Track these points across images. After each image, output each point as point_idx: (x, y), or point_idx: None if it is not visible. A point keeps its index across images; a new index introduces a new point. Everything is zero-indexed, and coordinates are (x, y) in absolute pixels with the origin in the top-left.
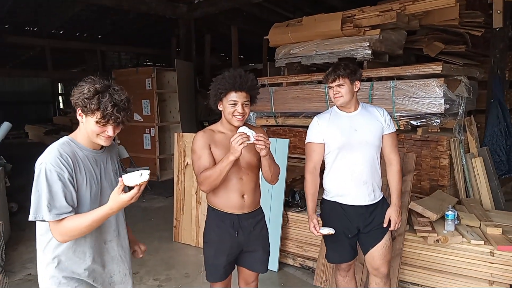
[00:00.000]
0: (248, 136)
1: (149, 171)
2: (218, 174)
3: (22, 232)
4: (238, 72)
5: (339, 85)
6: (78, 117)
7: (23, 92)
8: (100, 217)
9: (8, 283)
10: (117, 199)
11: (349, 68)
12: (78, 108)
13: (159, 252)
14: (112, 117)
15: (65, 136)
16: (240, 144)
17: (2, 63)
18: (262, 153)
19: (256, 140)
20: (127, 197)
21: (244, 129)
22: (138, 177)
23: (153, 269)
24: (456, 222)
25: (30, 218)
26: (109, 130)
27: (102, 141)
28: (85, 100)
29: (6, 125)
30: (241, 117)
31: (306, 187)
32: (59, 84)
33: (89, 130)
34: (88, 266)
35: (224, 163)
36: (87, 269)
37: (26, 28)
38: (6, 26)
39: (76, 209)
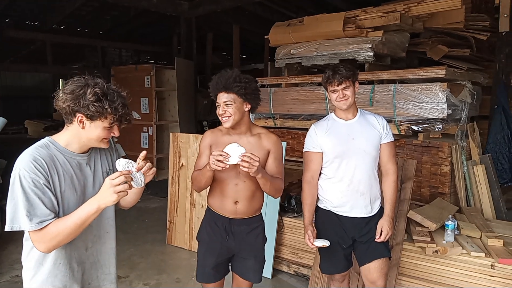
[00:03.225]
0: (228, 157)
1: (129, 163)
2: (200, 179)
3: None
4: (219, 74)
5: (345, 88)
6: (77, 124)
7: (25, 87)
8: (88, 212)
9: None
10: (103, 185)
11: (351, 69)
12: (80, 114)
13: (151, 255)
14: (127, 117)
15: (46, 137)
16: (216, 163)
17: (2, 57)
18: (250, 173)
19: (241, 161)
20: (107, 179)
21: (230, 146)
22: (120, 165)
23: (144, 273)
24: (456, 233)
25: (6, 228)
26: (116, 131)
27: (104, 144)
28: (95, 105)
29: (1, 120)
30: (225, 118)
31: (303, 197)
32: (60, 79)
33: (95, 135)
34: (69, 277)
35: (203, 170)
36: (68, 281)
37: (27, 23)
38: (7, 20)
39: (59, 216)
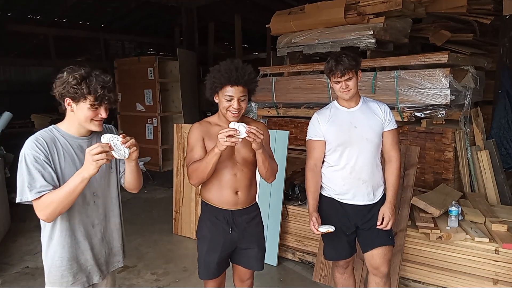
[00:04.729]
0: (238, 133)
1: (113, 137)
2: (204, 167)
3: (23, 223)
4: (234, 65)
5: (348, 79)
6: (67, 107)
7: (30, 81)
8: (74, 182)
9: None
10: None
11: (354, 59)
12: (66, 98)
13: (158, 244)
14: (106, 98)
15: (52, 125)
16: (226, 141)
17: (5, 52)
18: (253, 146)
19: (247, 132)
20: (87, 150)
21: (234, 124)
22: (104, 138)
23: (152, 263)
24: (460, 218)
25: (17, 200)
26: (102, 112)
27: (95, 126)
28: (74, 87)
29: (7, 115)
30: (236, 112)
31: (307, 184)
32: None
33: (82, 117)
34: (76, 248)
35: (209, 156)
36: (74, 251)
37: (29, 16)
38: (9, 14)
39: None
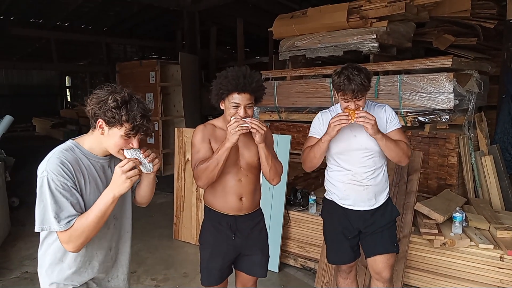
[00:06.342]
0: (245, 121)
1: (136, 150)
2: (215, 165)
3: (22, 227)
4: (242, 72)
5: (358, 99)
6: (98, 129)
7: (31, 85)
8: (105, 203)
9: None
10: (114, 174)
11: (367, 76)
12: (100, 120)
13: (158, 250)
14: (143, 129)
15: (70, 140)
16: (237, 130)
17: (8, 55)
18: (256, 138)
19: (250, 123)
20: (117, 168)
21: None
22: (128, 153)
23: (152, 268)
24: (464, 224)
25: (36, 229)
26: (134, 142)
27: (121, 155)
28: (112, 111)
29: (8, 118)
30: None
31: (310, 150)
32: (67, 77)
33: (112, 144)
34: (90, 274)
35: (220, 152)
36: (87, 277)
37: (31, 20)
38: (12, 18)
39: None
